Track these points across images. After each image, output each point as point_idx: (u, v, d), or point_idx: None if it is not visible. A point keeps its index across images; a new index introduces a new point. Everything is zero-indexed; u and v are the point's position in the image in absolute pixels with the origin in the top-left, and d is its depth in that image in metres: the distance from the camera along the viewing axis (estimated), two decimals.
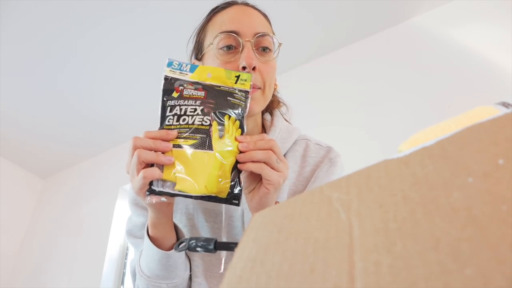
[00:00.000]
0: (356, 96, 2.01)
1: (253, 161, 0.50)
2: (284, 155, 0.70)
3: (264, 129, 0.74)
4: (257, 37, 0.63)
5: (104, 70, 2.33)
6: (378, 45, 2.12)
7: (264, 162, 0.50)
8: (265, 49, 0.65)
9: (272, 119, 0.74)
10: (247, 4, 0.69)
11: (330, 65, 2.24)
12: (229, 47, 0.63)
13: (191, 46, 0.73)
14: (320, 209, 0.20)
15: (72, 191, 3.02)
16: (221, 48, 0.64)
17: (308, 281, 0.16)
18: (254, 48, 0.63)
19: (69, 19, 2.01)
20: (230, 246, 0.53)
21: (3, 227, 2.86)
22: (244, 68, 0.61)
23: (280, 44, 0.68)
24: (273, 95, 0.78)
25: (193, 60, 0.73)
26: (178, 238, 0.60)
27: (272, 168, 0.50)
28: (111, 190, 2.73)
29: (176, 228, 0.61)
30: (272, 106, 0.77)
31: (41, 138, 2.85)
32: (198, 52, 0.71)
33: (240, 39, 0.63)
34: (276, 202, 0.56)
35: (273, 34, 0.70)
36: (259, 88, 0.63)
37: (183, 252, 0.59)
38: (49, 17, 1.99)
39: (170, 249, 0.58)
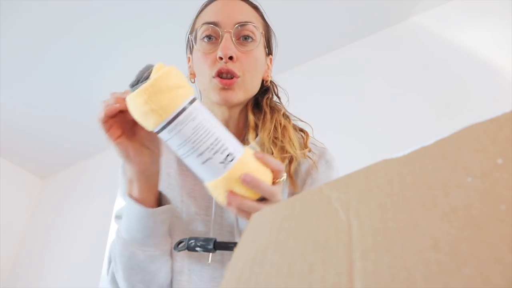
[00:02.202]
0: (354, 95, 2.01)
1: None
2: None
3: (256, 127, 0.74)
4: (237, 26, 0.63)
5: (103, 69, 2.32)
6: (377, 45, 2.12)
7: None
8: (246, 38, 0.64)
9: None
10: None
11: (328, 65, 2.23)
12: (209, 38, 0.64)
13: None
14: (319, 208, 0.20)
15: (71, 191, 3.01)
16: (202, 39, 0.65)
17: (307, 281, 0.16)
18: (234, 38, 0.63)
19: (67, 16, 2.00)
20: (229, 246, 0.53)
21: (2, 227, 2.86)
22: (221, 58, 0.61)
23: (262, 33, 0.67)
24: (271, 92, 0.77)
25: (188, 55, 0.74)
26: (161, 204, 0.58)
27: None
28: (111, 190, 2.72)
29: (161, 197, 0.59)
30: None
31: (40, 137, 2.84)
32: (191, 47, 0.72)
33: (219, 30, 0.63)
34: None
35: (265, 23, 0.69)
36: (238, 77, 0.62)
37: (164, 219, 0.57)
38: (46, 15, 1.98)
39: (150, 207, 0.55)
